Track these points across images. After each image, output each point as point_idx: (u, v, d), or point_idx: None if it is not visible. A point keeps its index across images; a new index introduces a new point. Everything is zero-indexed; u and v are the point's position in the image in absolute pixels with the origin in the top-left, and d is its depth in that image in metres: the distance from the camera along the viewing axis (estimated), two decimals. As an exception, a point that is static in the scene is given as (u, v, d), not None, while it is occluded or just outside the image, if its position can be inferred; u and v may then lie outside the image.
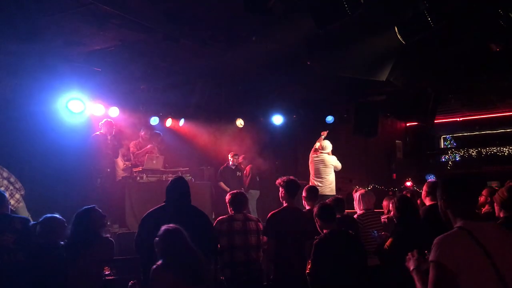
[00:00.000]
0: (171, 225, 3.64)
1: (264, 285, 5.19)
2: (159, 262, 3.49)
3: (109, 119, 8.57)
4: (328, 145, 9.12)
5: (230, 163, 10.01)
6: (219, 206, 8.55)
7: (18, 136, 7.63)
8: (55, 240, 4.17)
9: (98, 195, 8.00)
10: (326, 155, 9.03)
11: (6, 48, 6.62)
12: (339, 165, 9.06)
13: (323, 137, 9.25)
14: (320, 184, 8.71)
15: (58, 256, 4.06)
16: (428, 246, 2.41)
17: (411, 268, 2.56)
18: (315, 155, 9.09)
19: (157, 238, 3.57)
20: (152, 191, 8.01)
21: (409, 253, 2.61)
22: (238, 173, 10.05)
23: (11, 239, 4.19)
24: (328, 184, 8.88)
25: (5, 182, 7.38)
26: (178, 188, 4.47)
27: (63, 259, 4.03)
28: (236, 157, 10.10)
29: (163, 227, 3.60)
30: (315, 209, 4.42)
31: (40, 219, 4.22)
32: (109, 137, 8.40)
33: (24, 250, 4.24)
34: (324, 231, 4.25)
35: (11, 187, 7.36)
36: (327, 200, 5.76)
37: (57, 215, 4.25)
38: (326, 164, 8.96)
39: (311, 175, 9.04)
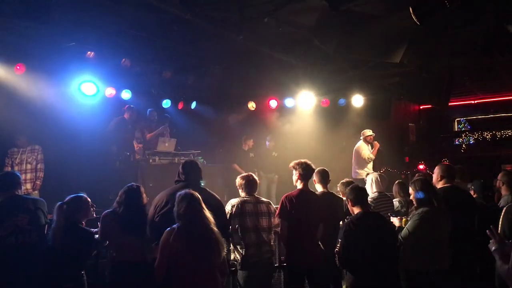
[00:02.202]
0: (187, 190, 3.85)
1: (275, 266, 5.23)
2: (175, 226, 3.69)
3: (132, 105, 8.68)
4: (365, 131, 9.59)
5: (243, 145, 10.05)
6: (232, 188, 8.60)
7: (31, 119, 7.71)
8: (79, 219, 4.30)
9: (115, 177, 8.13)
10: (360, 142, 9.52)
11: (18, 30, 6.66)
12: (365, 154, 9.33)
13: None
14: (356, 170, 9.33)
15: (78, 236, 4.20)
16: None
17: (493, 248, 2.61)
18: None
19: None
20: (164, 173, 8.08)
21: (489, 233, 2.66)
22: (251, 155, 10.07)
23: (25, 220, 4.28)
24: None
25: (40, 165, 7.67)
26: (196, 170, 4.54)
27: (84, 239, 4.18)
28: (249, 140, 10.12)
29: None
30: (347, 190, 4.44)
31: (66, 199, 4.31)
32: (130, 123, 8.53)
33: (37, 230, 4.33)
34: (356, 212, 4.26)
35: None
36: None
37: (83, 194, 4.36)
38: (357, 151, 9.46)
39: None
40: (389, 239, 4.18)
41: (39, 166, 7.68)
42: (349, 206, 4.37)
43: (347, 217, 4.30)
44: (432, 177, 5.15)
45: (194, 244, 3.61)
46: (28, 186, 7.55)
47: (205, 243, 3.64)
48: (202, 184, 4.63)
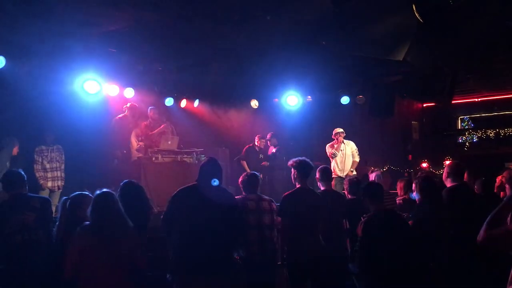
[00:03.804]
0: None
1: (278, 264, 5.24)
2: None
3: (134, 103, 8.69)
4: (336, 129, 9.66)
5: (257, 144, 10.12)
6: (236, 186, 8.61)
7: (35, 116, 7.74)
8: (82, 216, 4.19)
9: (115, 175, 8.12)
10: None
11: (23, 28, 6.67)
12: (328, 150, 9.54)
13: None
14: None
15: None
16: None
17: None
18: None
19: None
20: (167, 171, 8.10)
21: None
22: (261, 156, 10.15)
23: (31, 218, 4.30)
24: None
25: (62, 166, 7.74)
26: (205, 170, 4.33)
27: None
28: (262, 140, 10.22)
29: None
30: (364, 188, 4.43)
31: (71, 195, 4.29)
32: (131, 121, 8.57)
33: (43, 228, 4.35)
34: (372, 209, 4.25)
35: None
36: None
37: (87, 192, 4.29)
38: None
39: None
40: (404, 236, 4.15)
41: (62, 166, 7.85)
42: (367, 203, 4.36)
43: (364, 215, 4.28)
44: (435, 175, 5.16)
45: (101, 243, 3.66)
46: (60, 183, 7.65)
47: (112, 242, 3.68)
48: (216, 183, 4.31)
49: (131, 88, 9.08)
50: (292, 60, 9.14)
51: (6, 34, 6.84)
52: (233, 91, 10.74)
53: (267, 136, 10.43)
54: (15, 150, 7.37)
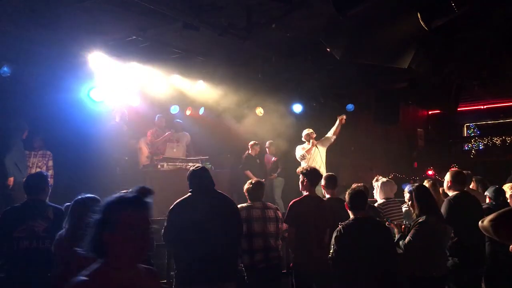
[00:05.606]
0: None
1: (283, 272, 5.22)
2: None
3: (121, 107, 8.68)
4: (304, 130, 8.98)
5: (250, 151, 10.10)
6: (240, 194, 8.59)
7: (40, 124, 7.77)
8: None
9: (118, 183, 8.12)
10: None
11: (29, 37, 6.73)
12: (297, 154, 8.71)
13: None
14: None
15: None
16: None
17: None
18: None
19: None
20: (172, 179, 8.08)
21: None
22: (258, 161, 10.13)
23: (42, 227, 4.28)
24: None
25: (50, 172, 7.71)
26: (203, 176, 4.36)
27: None
28: (257, 146, 10.19)
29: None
30: (346, 195, 4.40)
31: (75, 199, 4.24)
32: (125, 126, 8.54)
33: (52, 238, 4.34)
34: (351, 217, 4.23)
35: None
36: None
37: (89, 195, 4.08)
38: None
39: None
40: (381, 245, 4.09)
41: (50, 172, 7.69)
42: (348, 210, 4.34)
43: (340, 222, 4.25)
44: (440, 182, 5.12)
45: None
46: None
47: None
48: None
49: (137, 96, 9.11)
50: (297, 67, 9.16)
51: (13, 42, 6.89)
52: (238, 98, 10.75)
53: (266, 144, 10.39)
54: (25, 134, 7.38)
